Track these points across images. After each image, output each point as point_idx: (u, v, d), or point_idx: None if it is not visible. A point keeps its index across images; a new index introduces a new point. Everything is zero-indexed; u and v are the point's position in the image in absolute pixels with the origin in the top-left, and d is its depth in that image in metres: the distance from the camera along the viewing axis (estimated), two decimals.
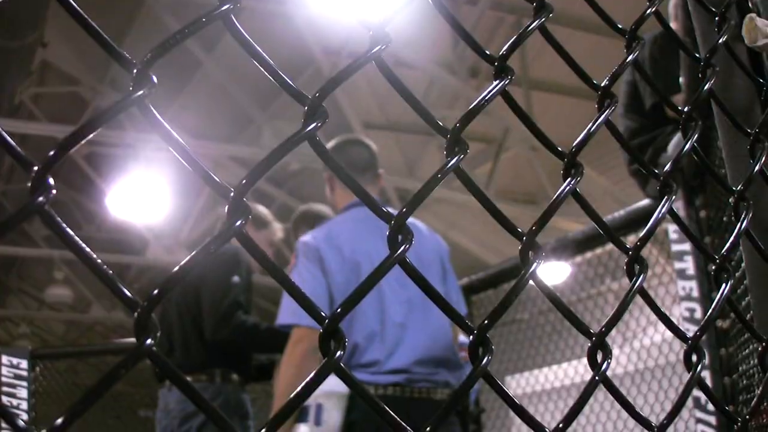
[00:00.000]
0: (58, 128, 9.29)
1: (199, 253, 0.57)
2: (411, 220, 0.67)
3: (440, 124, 0.72)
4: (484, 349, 0.68)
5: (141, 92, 0.56)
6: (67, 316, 14.80)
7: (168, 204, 10.16)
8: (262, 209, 4.50)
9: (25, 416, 4.08)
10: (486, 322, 0.69)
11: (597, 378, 0.76)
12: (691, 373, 0.88)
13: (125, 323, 13.74)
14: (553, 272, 5.78)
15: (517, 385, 4.37)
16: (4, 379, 4.17)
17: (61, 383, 4.81)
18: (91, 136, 0.55)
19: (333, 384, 2.77)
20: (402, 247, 0.65)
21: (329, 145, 3.33)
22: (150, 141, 8.85)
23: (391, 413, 0.62)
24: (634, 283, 0.84)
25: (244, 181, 0.59)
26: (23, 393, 4.19)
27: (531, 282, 0.74)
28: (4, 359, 4.22)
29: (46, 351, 5.31)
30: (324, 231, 3.16)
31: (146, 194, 9.79)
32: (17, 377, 4.22)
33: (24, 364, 4.26)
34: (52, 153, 0.53)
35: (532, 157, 9.23)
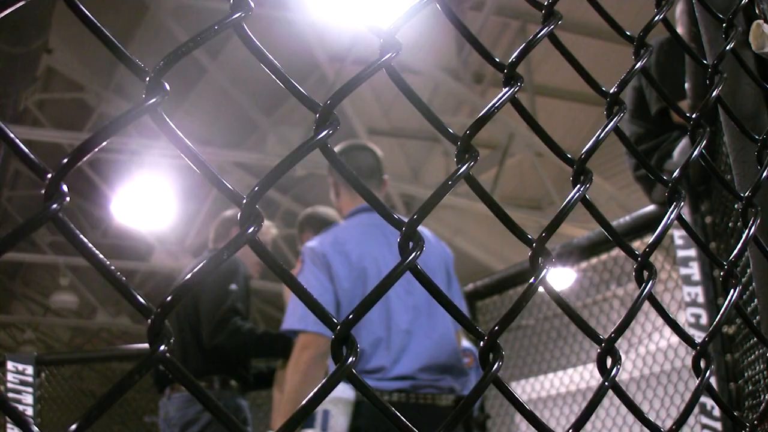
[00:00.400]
0: (63, 134, 9.32)
1: (211, 260, 0.57)
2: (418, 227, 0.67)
3: (450, 131, 0.72)
4: (494, 355, 0.67)
5: (154, 100, 0.56)
6: (72, 322, 14.83)
7: (173, 210, 10.17)
8: None
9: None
10: (497, 327, 0.69)
11: (607, 384, 0.76)
12: (699, 378, 0.88)
13: (130, 329, 13.77)
14: (558, 278, 5.77)
15: (522, 391, 4.36)
16: (9, 384, 4.17)
17: (66, 389, 4.80)
18: (105, 143, 0.55)
19: (340, 390, 2.75)
20: (413, 254, 0.65)
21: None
22: (154, 147, 8.86)
23: (404, 419, 0.62)
24: (644, 289, 0.83)
25: (256, 188, 0.59)
26: (29, 399, 4.19)
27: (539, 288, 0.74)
28: (10, 365, 4.23)
29: (52, 357, 5.30)
30: (330, 236, 3.15)
31: (151, 200, 9.81)
32: (23, 383, 4.22)
33: (29, 369, 4.26)
34: (65, 160, 0.53)
35: (537, 163, 9.22)
